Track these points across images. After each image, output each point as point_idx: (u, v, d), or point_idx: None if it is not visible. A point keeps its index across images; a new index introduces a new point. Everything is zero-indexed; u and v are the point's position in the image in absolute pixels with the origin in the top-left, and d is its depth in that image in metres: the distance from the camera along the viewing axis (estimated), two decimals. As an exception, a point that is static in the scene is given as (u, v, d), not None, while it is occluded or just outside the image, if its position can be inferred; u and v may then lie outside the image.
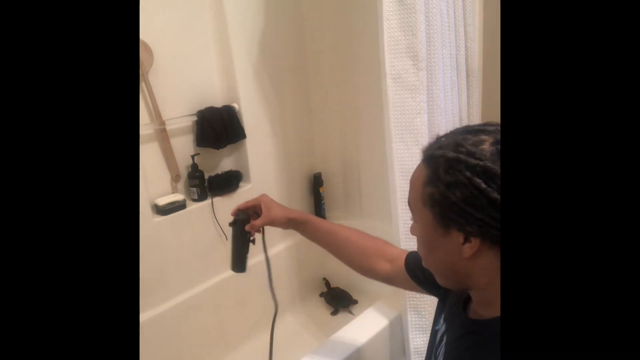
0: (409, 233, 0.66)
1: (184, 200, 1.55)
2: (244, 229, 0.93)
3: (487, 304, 0.58)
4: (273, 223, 0.93)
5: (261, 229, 0.95)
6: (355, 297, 1.90)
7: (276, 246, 1.88)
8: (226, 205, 1.66)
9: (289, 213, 0.93)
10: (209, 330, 1.61)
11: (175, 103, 1.52)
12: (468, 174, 0.50)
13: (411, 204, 0.60)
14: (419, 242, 0.61)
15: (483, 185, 0.49)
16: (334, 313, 1.86)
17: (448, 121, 1.22)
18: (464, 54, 1.24)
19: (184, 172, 1.59)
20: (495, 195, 0.48)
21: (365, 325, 1.25)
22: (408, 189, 0.59)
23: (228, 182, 1.65)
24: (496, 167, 0.49)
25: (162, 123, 1.47)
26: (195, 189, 1.57)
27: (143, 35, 1.39)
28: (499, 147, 0.50)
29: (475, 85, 1.29)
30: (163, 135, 1.50)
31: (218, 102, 1.63)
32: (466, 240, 0.53)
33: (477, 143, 0.51)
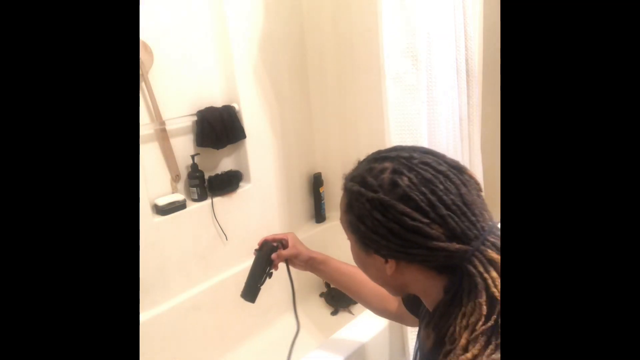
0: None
1: (184, 200, 1.55)
2: (269, 257, 0.94)
3: (433, 303, 0.59)
4: (297, 256, 0.95)
5: (286, 262, 0.97)
6: (355, 297, 1.90)
7: (276, 246, 1.88)
8: (226, 205, 1.66)
9: (311, 252, 0.96)
10: (209, 330, 1.62)
11: (175, 103, 1.52)
12: (368, 206, 0.54)
13: (342, 225, 0.63)
14: (354, 260, 0.64)
15: (380, 217, 0.53)
16: (334, 313, 1.86)
17: (448, 121, 1.22)
18: (464, 54, 1.24)
19: (184, 172, 1.59)
20: (392, 225, 0.52)
21: (365, 325, 1.25)
22: None
23: (228, 182, 1.65)
24: (388, 199, 0.52)
25: (162, 123, 1.47)
26: (195, 189, 1.58)
27: (143, 35, 1.39)
28: (395, 176, 0.53)
29: (475, 85, 1.29)
30: (163, 135, 1.50)
31: (218, 102, 1.63)
32: (385, 261, 0.57)
33: (378, 174, 0.55)
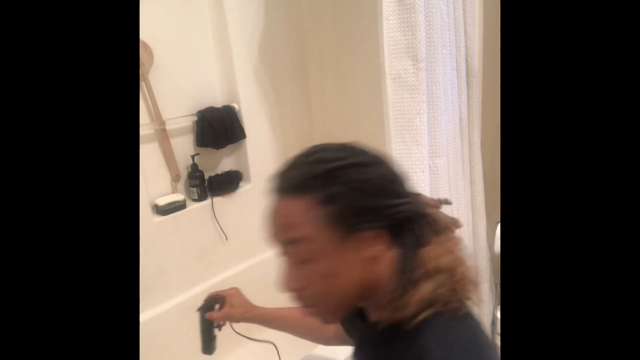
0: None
1: (184, 200, 1.55)
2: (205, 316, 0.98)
3: (385, 308, 0.55)
4: (229, 320, 0.99)
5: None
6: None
7: (276, 246, 1.88)
8: (226, 205, 1.66)
9: (246, 313, 0.98)
10: (209, 330, 1.61)
11: (175, 103, 1.52)
12: (347, 175, 0.53)
13: (300, 243, 0.54)
14: (313, 284, 0.55)
15: (364, 176, 0.53)
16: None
17: (448, 121, 1.22)
18: (464, 54, 1.24)
19: (184, 172, 1.59)
20: (377, 181, 0.54)
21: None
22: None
23: (228, 182, 1.65)
24: (363, 159, 0.55)
25: (162, 123, 1.47)
26: (195, 189, 1.58)
27: (143, 35, 1.39)
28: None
29: (475, 85, 1.29)
30: (163, 135, 1.50)
31: (218, 102, 1.63)
32: (375, 238, 0.54)
33: (332, 151, 0.56)
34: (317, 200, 0.53)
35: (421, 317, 0.52)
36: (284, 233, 0.55)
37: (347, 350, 1.15)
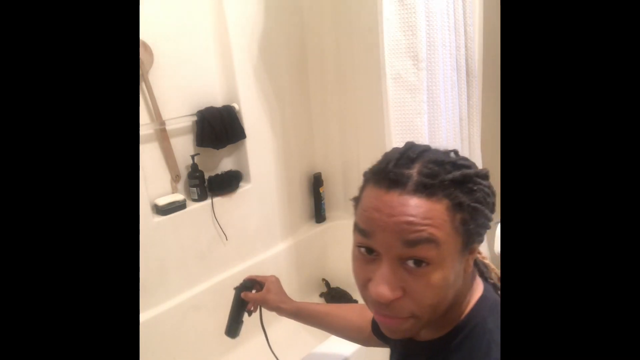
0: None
1: (184, 200, 1.55)
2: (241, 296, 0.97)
3: (440, 327, 0.58)
4: (264, 304, 0.97)
5: (260, 306, 0.99)
6: (355, 297, 1.90)
7: (276, 246, 1.88)
8: (226, 205, 1.66)
9: (282, 303, 0.95)
10: (209, 330, 1.62)
11: (175, 103, 1.52)
12: (478, 180, 0.53)
13: (433, 244, 0.49)
14: (424, 291, 0.51)
15: (486, 188, 0.54)
16: (334, 313, 1.86)
17: (448, 121, 1.22)
18: (464, 54, 1.24)
19: (184, 172, 1.59)
20: (488, 190, 0.54)
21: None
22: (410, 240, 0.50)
23: (228, 182, 1.65)
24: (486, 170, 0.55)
25: (162, 123, 1.47)
26: (195, 189, 1.58)
27: (143, 35, 1.39)
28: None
29: (475, 85, 1.29)
30: (163, 135, 1.50)
31: (218, 102, 1.63)
32: (474, 252, 0.56)
33: (448, 155, 0.55)
34: (450, 204, 0.50)
35: (471, 326, 0.56)
36: (418, 231, 0.49)
37: (348, 350, 1.16)
